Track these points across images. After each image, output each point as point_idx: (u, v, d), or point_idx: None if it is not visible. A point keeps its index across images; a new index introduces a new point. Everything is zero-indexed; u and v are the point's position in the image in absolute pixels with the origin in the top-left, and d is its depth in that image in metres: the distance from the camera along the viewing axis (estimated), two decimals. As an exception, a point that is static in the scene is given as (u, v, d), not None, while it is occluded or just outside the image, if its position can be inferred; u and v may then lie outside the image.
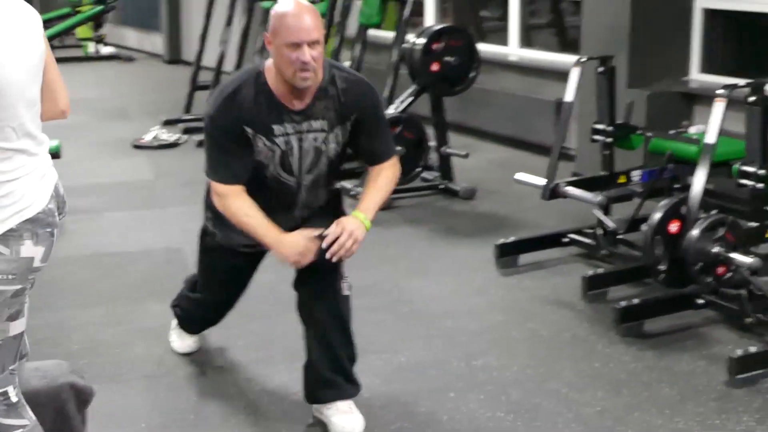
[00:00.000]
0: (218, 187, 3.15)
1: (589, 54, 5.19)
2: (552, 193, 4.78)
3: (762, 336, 3.92)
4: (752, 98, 4.00)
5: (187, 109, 8.97)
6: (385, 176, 3.25)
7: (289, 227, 3.22)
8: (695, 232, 3.79)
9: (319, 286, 3.19)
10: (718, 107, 4.02)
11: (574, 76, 4.92)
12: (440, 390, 3.56)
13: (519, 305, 4.42)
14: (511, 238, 4.96)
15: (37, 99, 2.36)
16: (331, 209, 3.31)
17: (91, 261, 5.04)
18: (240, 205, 3.12)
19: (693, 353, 3.83)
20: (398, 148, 4.40)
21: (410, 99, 6.09)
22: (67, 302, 4.46)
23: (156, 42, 14.01)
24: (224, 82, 3.21)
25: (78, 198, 5.68)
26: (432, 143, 6.26)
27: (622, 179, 4.94)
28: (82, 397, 2.78)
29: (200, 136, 7.92)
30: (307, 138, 3.11)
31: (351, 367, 3.29)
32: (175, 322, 3.89)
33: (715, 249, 3.79)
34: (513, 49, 8.09)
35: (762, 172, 3.98)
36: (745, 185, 4.04)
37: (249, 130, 3.05)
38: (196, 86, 8.99)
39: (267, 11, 8.22)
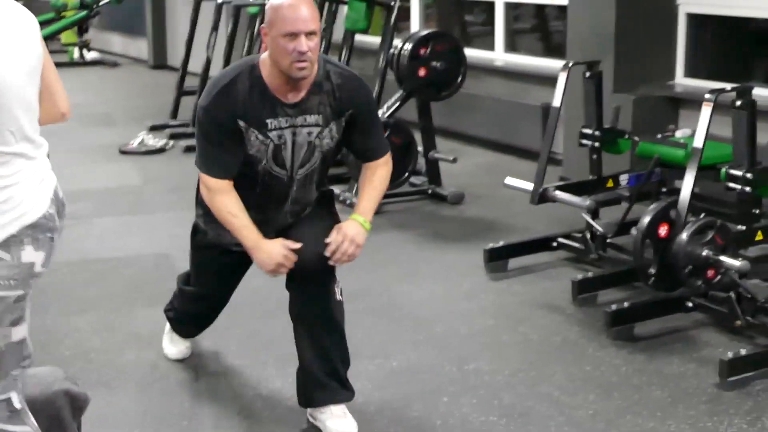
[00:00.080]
0: (207, 180, 3.14)
1: (574, 59, 5.22)
2: (541, 197, 4.80)
3: (752, 338, 3.95)
4: (739, 102, 4.03)
5: (174, 114, 8.97)
6: (379, 175, 3.27)
7: (280, 224, 3.23)
8: (684, 236, 3.82)
9: (313, 288, 3.18)
10: (706, 111, 4.06)
11: (562, 81, 4.94)
12: (433, 394, 3.57)
13: (509, 309, 4.44)
14: (500, 243, 4.97)
15: (36, 102, 2.36)
16: (325, 211, 3.32)
17: (80, 267, 5.03)
18: (227, 202, 3.12)
19: (683, 356, 3.86)
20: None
21: (397, 104, 6.11)
22: (56, 308, 4.45)
23: (141, 47, 13.97)
24: (218, 74, 3.20)
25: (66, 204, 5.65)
26: (419, 148, 6.28)
27: (610, 183, 4.97)
28: (78, 404, 2.77)
29: (187, 142, 7.95)
30: (301, 132, 3.10)
31: (344, 371, 3.29)
32: (167, 327, 3.89)
33: (705, 252, 3.82)
34: (499, 54, 8.12)
35: (749, 175, 4.01)
36: (733, 188, 4.07)
37: (242, 124, 3.05)
38: (182, 92, 8.99)
39: (253, 17, 8.24)
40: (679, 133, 4.82)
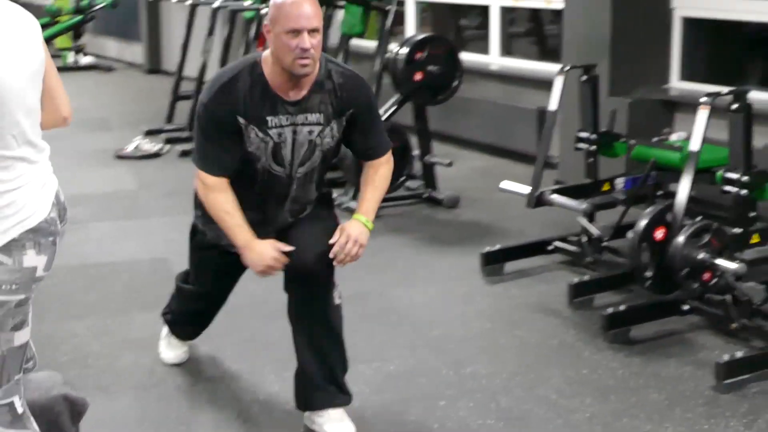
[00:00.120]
0: (204, 177, 3.14)
1: (570, 63, 5.22)
2: (537, 201, 4.81)
3: (747, 341, 3.96)
4: (735, 105, 4.05)
5: (169, 119, 8.97)
6: (381, 174, 3.27)
7: (280, 224, 3.23)
8: (681, 239, 3.83)
9: (313, 289, 3.18)
10: (702, 115, 4.07)
11: (558, 84, 4.95)
12: (430, 398, 3.57)
13: (506, 313, 4.44)
14: (497, 246, 4.98)
15: (37, 106, 2.35)
16: (325, 211, 3.32)
17: (76, 272, 5.03)
18: (222, 200, 3.13)
19: (680, 359, 3.87)
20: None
21: (393, 108, 6.12)
22: (54, 313, 4.44)
23: (136, 52, 13.96)
24: (220, 71, 3.20)
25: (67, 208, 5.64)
26: (415, 152, 6.29)
27: (606, 187, 4.98)
28: (76, 409, 2.77)
29: (183, 146, 7.95)
30: (302, 131, 3.11)
31: (342, 375, 3.29)
32: (165, 332, 3.88)
33: (701, 255, 3.83)
34: (494, 58, 8.13)
35: (745, 178, 4.02)
36: (729, 192, 4.09)
37: (242, 121, 3.05)
38: (177, 96, 8.98)
39: (249, 21, 8.24)
40: (674, 137, 4.83)
